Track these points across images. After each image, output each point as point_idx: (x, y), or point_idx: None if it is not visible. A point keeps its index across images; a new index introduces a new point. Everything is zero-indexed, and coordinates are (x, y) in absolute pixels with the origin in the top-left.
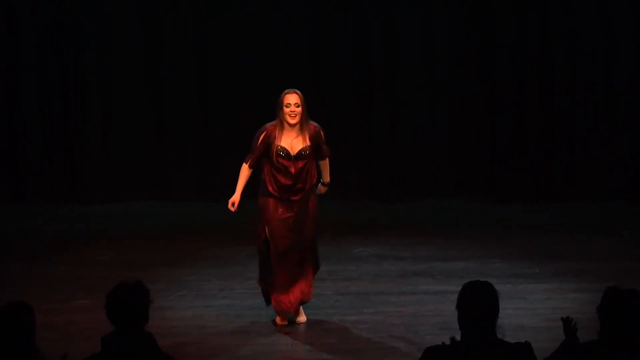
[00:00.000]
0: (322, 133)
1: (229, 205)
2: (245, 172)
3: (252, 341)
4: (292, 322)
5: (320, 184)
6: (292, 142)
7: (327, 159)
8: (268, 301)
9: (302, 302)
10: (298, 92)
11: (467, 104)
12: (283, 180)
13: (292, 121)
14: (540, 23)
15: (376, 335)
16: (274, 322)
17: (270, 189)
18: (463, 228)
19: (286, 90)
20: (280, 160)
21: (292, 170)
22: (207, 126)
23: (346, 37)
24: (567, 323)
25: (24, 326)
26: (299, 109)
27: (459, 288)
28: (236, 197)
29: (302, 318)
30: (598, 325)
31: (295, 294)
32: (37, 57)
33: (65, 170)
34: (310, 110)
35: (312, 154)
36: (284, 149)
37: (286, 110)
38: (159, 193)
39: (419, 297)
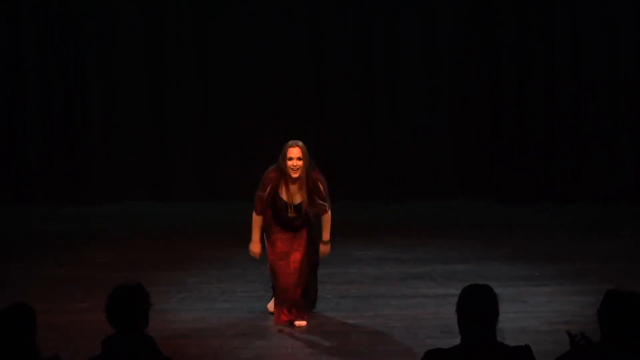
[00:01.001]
0: (321, 187)
1: (255, 254)
2: (258, 221)
3: (253, 344)
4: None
5: (320, 243)
6: (293, 195)
7: (328, 214)
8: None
9: (298, 313)
10: (300, 144)
11: (468, 105)
12: (281, 222)
13: (295, 175)
14: (542, 24)
15: (377, 338)
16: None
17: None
18: (464, 229)
19: (289, 143)
20: (280, 211)
21: (291, 215)
22: (208, 127)
23: (347, 37)
24: (573, 339)
25: (25, 328)
26: (301, 162)
27: (460, 291)
28: (258, 246)
29: (302, 322)
30: (599, 327)
31: (293, 300)
32: (39, 59)
33: (67, 171)
34: (311, 111)
35: (309, 207)
36: (284, 202)
37: (289, 163)
38: (160, 194)
39: (419, 300)
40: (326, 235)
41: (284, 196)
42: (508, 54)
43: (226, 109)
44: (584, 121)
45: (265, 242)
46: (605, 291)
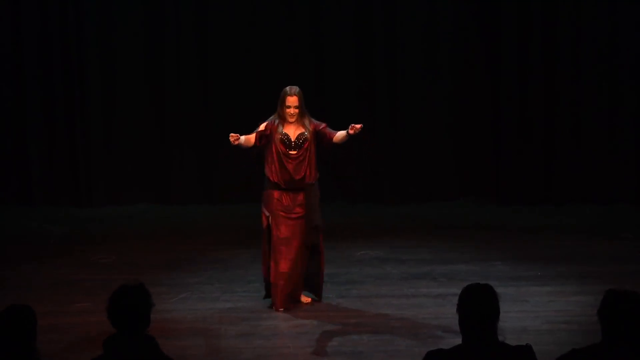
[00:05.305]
0: (322, 123)
1: (230, 136)
2: (251, 136)
3: (254, 344)
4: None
5: (347, 135)
6: (292, 130)
7: (336, 133)
8: (267, 294)
9: (308, 293)
10: (298, 92)
11: (469, 106)
12: (285, 168)
13: (291, 120)
14: (543, 26)
15: (378, 339)
16: (270, 307)
17: (273, 178)
18: (465, 230)
19: (288, 90)
20: (282, 146)
21: (293, 155)
22: (209, 129)
23: (348, 38)
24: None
25: (26, 329)
26: (297, 110)
27: (461, 291)
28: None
29: (306, 299)
30: (600, 328)
31: (292, 283)
32: (39, 62)
33: (66, 173)
34: (312, 112)
35: (312, 142)
36: (285, 134)
37: (287, 110)
38: (161, 196)
39: (420, 300)
40: (343, 132)
41: (283, 130)
42: (508, 56)
43: (227, 110)
44: (585, 123)
45: (270, 224)
46: (606, 291)
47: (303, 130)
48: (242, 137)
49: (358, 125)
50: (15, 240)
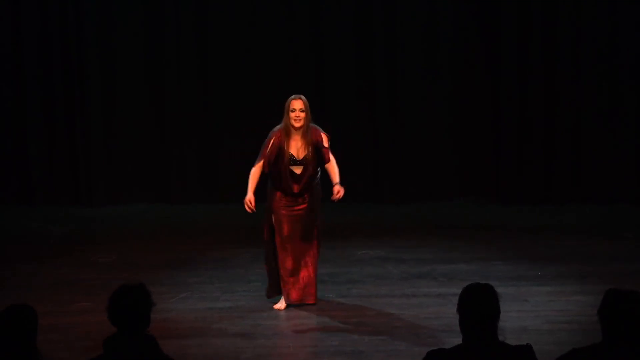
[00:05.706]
0: (323, 136)
1: (246, 206)
2: (257, 173)
3: (254, 343)
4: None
5: (334, 186)
6: (297, 148)
7: (332, 160)
8: (270, 292)
9: (307, 291)
10: (303, 98)
11: (469, 106)
12: (288, 181)
13: (297, 125)
14: (543, 26)
15: (378, 338)
16: (273, 305)
17: (275, 184)
18: (465, 230)
19: (292, 96)
20: (290, 165)
21: (297, 172)
22: (209, 129)
23: (348, 37)
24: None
25: (26, 329)
26: (304, 114)
27: (461, 290)
28: (250, 196)
29: (311, 301)
30: (600, 328)
31: (302, 280)
32: (39, 61)
33: (67, 173)
34: (313, 112)
35: (313, 159)
36: (292, 155)
37: (292, 115)
38: (161, 195)
39: (421, 300)
40: (335, 178)
41: (290, 150)
42: (508, 56)
43: (227, 110)
44: (585, 123)
45: (273, 223)
46: (606, 290)
47: (306, 151)
48: (251, 189)
49: (339, 196)
50: (15, 240)
